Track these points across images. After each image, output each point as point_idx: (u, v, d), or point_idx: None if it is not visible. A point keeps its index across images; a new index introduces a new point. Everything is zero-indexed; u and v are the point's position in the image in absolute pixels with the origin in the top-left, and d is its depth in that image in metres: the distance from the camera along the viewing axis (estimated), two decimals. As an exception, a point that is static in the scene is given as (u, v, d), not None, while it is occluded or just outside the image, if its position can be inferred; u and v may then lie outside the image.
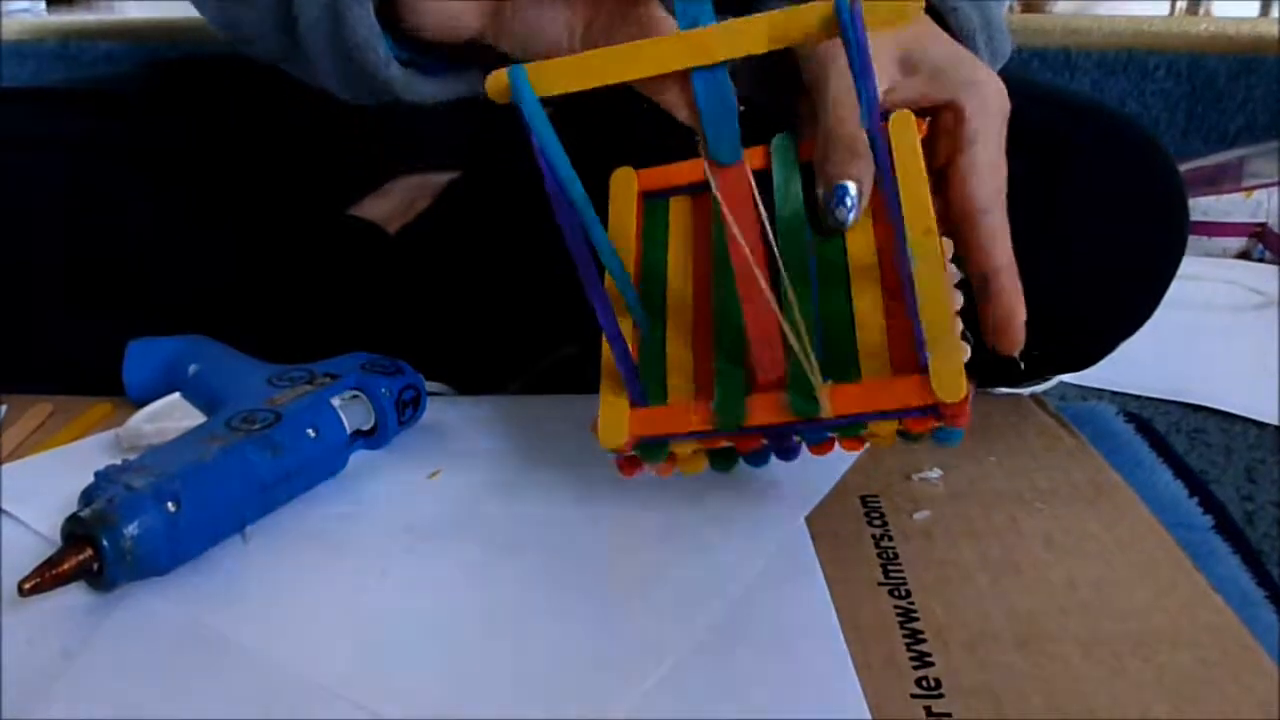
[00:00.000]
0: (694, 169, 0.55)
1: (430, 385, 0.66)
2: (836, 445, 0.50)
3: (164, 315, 0.69)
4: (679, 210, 0.57)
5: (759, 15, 0.41)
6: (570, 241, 0.44)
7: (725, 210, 0.44)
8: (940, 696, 0.42)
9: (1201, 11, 1.57)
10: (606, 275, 0.49)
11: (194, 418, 0.59)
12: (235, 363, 0.63)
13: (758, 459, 0.51)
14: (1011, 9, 1.46)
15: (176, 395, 0.62)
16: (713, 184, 0.44)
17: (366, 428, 0.59)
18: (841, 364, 0.47)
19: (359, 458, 0.60)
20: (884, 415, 0.46)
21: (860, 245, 0.51)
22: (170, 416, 0.60)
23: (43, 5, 1.54)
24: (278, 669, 0.44)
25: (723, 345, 0.50)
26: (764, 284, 0.45)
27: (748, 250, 0.44)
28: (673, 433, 0.48)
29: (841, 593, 0.47)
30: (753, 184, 0.44)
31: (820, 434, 0.49)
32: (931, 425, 0.46)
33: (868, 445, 0.50)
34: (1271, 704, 0.41)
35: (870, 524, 0.53)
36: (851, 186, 0.50)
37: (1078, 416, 0.66)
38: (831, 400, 0.45)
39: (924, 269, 0.46)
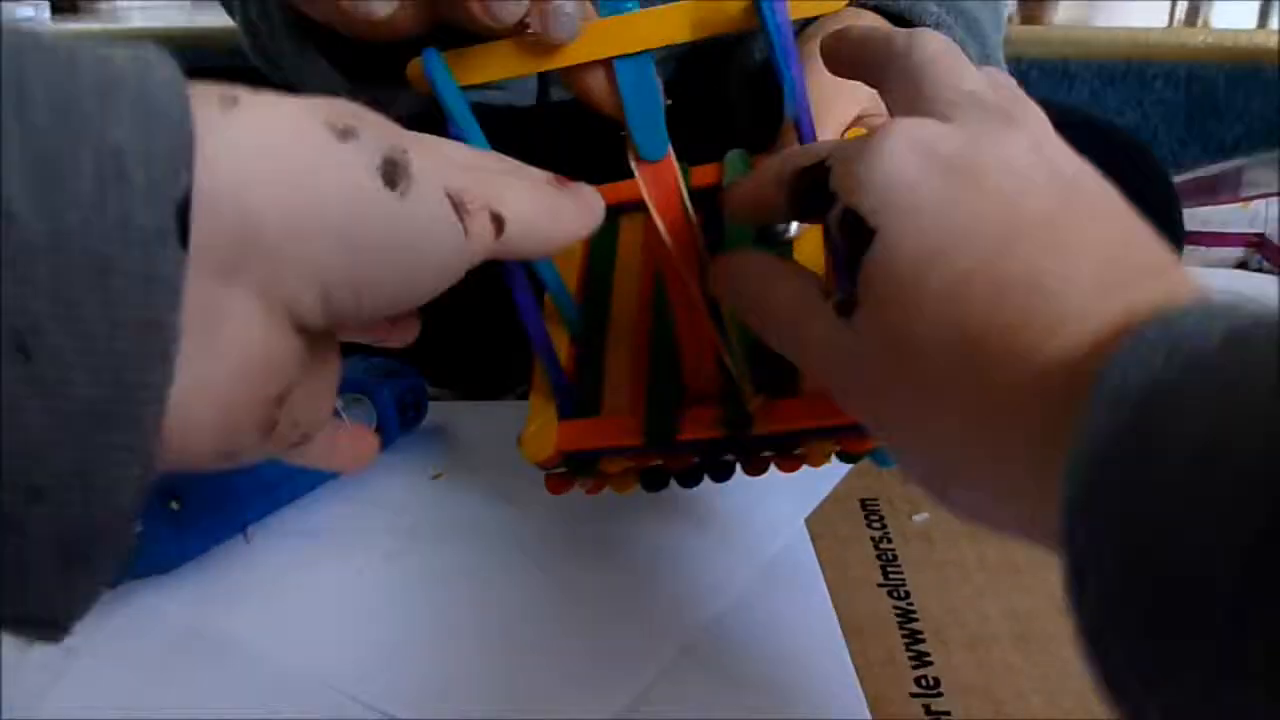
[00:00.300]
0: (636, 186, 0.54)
1: (432, 391, 0.66)
2: (773, 468, 0.47)
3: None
4: (631, 227, 0.55)
5: (683, 3, 0.39)
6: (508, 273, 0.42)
7: (651, 208, 0.42)
8: (939, 695, 0.42)
9: (1200, 22, 1.57)
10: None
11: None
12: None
13: (689, 480, 0.48)
14: (1010, 20, 1.47)
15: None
16: (639, 182, 0.41)
17: (370, 429, 0.60)
18: (780, 379, 0.44)
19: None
20: (820, 433, 0.44)
21: (809, 261, 0.48)
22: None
23: (47, 13, 1.55)
24: (279, 667, 0.44)
25: (658, 360, 0.48)
26: (694, 288, 0.42)
27: (672, 244, 0.42)
28: (601, 448, 0.45)
29: (841, 593, 0.48)
30: (681, 182, 0.42)
31: (751, 455, 0.46)
32: (870, 445, 0.45)
33: (804, 468, 0.47)
34: None
35: (870, 526, 0.53)
36: None
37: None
38: (765, 415, 0.43)
39: None
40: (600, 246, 0.54)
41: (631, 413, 0.46)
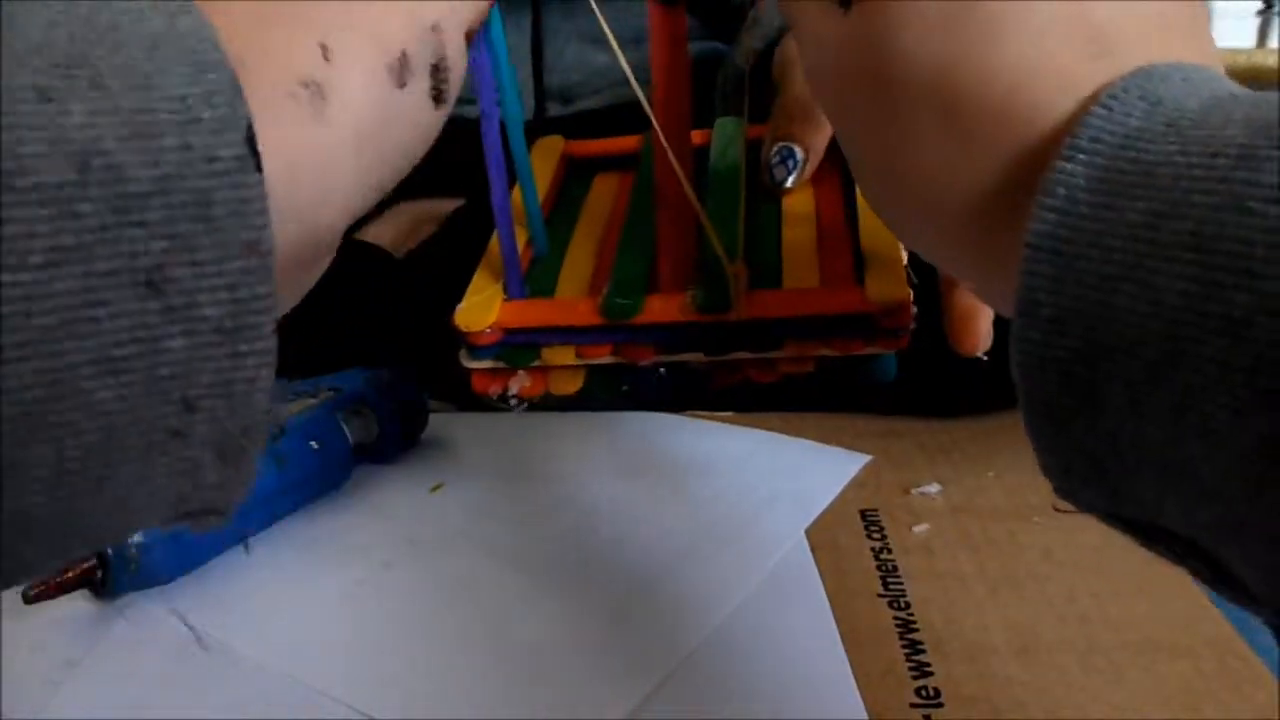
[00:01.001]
0: (625, 143, 0.52)
1: (434, 404, 0.66)
2: (747, 379, 0.43)
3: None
4: (605, 180, 0.53)
5: None
6: (485, 134, 0.40)
7: (654, 57, 0.39)
8: (939, 706, 0.42)
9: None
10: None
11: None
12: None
13: (646, 383, 0.43)
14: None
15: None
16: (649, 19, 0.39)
17: (370, 441, 0.60)
18: (762, 274, 0.41)
19: (362, 471, 0.60)
20: (807, 328, 0.40)
21: (797, 207, 0.48)
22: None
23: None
24: (280, 676, 0.44)
25: (626, 245, 0.44)
26: (687, 151, 0.40)
27: (665, 99, 0.40)
28: (549, 325, 0.41)
29: (841, 604, 0.48)
30: (686, 31, 0.40)
31: (722, 350, 0.42)
32: (862, 347, 0.41)
33: (784, 375, 0.42)
34: (1270, 715, 0.41)
35: (870, 537, 0.53)
36: (798, 150, 0.48)
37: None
38: (748, 301, 0.39)
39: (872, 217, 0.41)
40: (570, 190, 0.52)
41: (589, 296, 0.42)
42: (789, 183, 0.48)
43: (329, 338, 0.72)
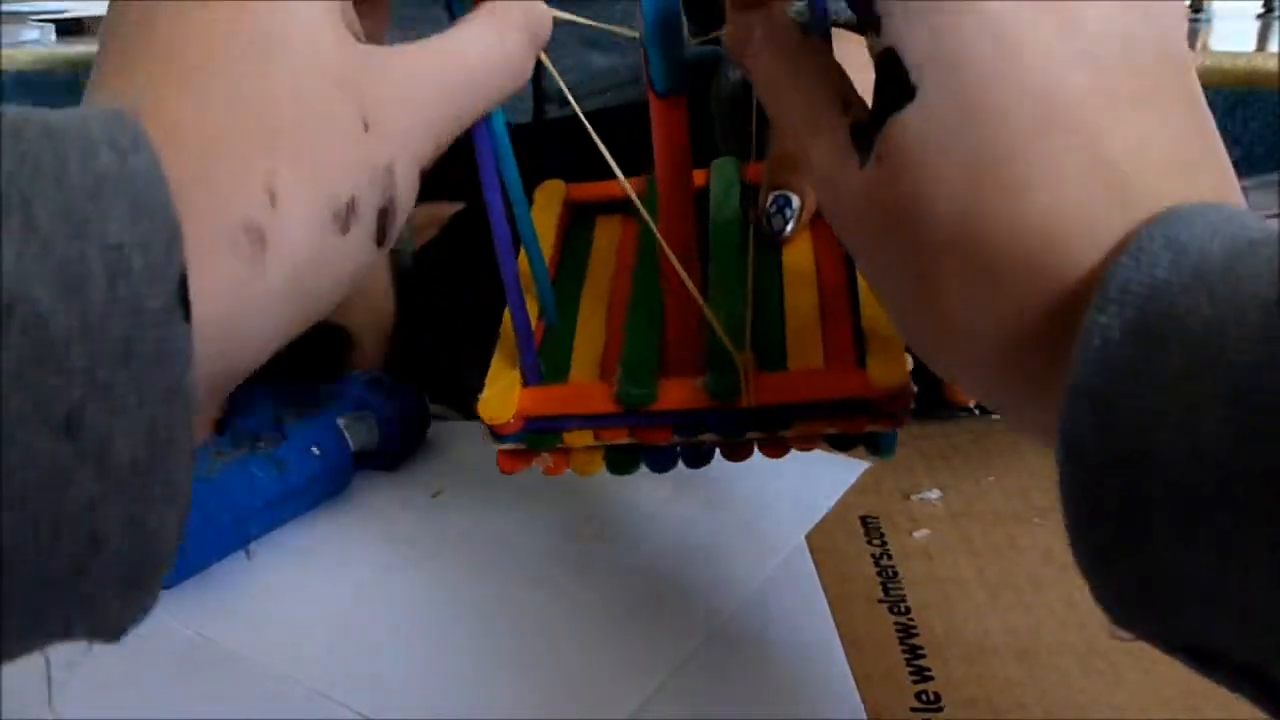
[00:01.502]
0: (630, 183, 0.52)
1: (435, 409, 0.66)
2: (756, 452, 0.44)
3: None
4: (607, 225, 0.54)
5: None
6: (490, 208, 0.40)
7: (655, 146, 0.40)
8: (940, 710, 0.42)
9: (1199, 45, 1.58)
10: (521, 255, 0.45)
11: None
12: (244, 383, 0.63)
13: (662, 460, 0.45)
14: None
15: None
16: (652, 114, 0.40)
17: (371, 447, 0.60)
18: (767, 356, 0.42)
19: (363, 477, 0.60)
20: (814, 410, 0.41)
21: (797, 260, 0.48)
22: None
23: (52, 35, 1.56)
24: (281, 680, 0.44)
25: (635, 327, 0.45)
26: (690, 239, 0.40)
27: (669, 189, 0.40)
28: (569, 414, 0.42)
29: (841, 609, 0.48)
30: (687, 126, 0.40)
31: (734, 432, 0.43)
32: (865, 427, 0.42)
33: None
34: (1269, 717, 0.41)
35: (870, 543, 0.53)
36: (795, 198, 0.48)
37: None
38: (757, 386, 0.41)
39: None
40: (576, 240, 0.53)
41: (603, 381, 0.43)
42: (786, 232, 0.48)
43: (332, 344, 0.72)
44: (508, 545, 0.54)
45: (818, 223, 0.50)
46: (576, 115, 0.77)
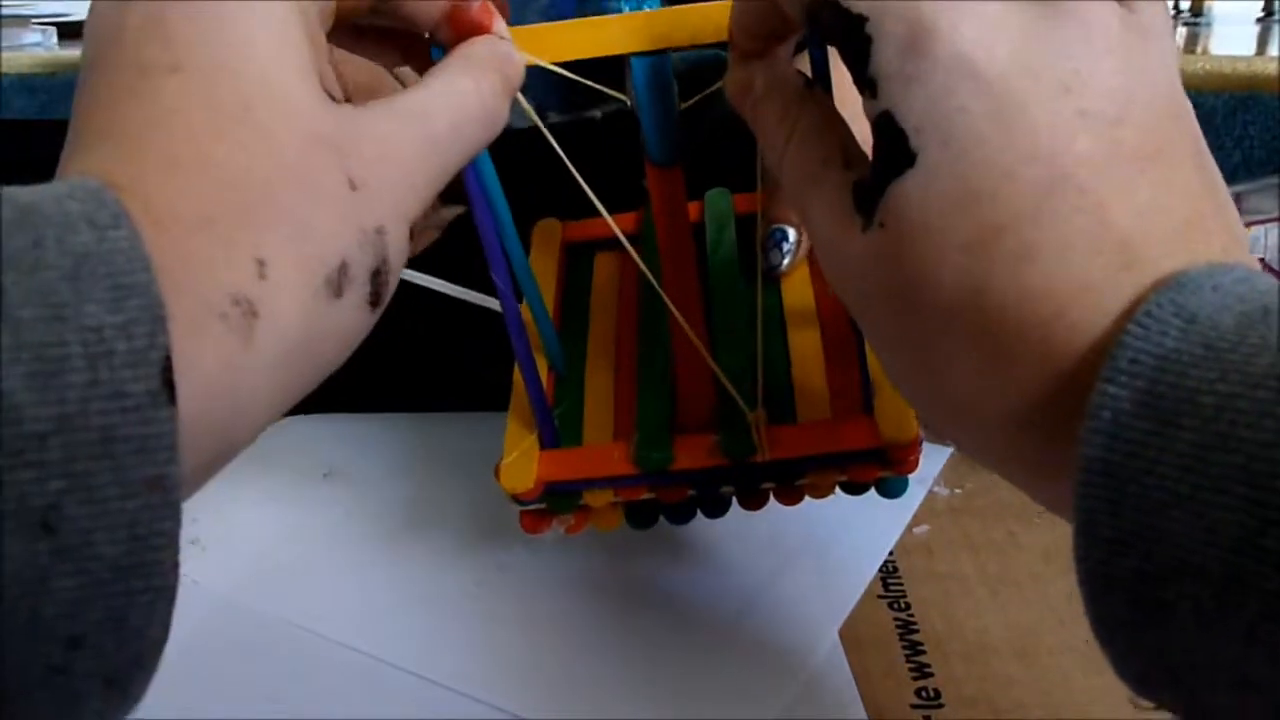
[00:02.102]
0: (623, 221, 0.50)
1: (440, 413, 0.66)
2: (771, 499, 0.45)
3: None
4: (605, 262, 0.53)
5: (705, 4, 0.37)
6: (493, 267, 0.40)
7: (655, 216, 0.40)
8: (940, 706, 0.42)
9: (1198, 49, 1.58)
10: (523, 307, 0.45)
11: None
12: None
13: (681, 514, 0.46)
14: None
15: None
16: (650, 185, 0.40)
17: None
18: (777, 406, 0.43)
19: (368, 483, 0.59)
20: (826, 460, 0.42)
21: (797, 296, 0.48)
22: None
23: (54, 39, 1.56)
24: (278, 683, 0.44)
25: (646, 385, 0.45)
26: (695, 301, 0.41)
27: (671, 257, 0.41)
28: (588, 478, 0.43)
29: (841, 605, 0.48)
30: (685, 193, 0.40)
31: (751, 486, 0.44)
32: (877, 474, 0.43)
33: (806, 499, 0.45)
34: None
35: (870, 540, 0.53)
36: (791, 231, 0.48)
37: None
38: (769, 441, 0.41)
39: None
40: (575, 281, 0.52)
41: (617, 441, 0.44)
42: (783, 266, 0.48)
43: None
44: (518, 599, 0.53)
45: (816, 258, 0.50)
46: (579, 120, 0.77)
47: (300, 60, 0.27)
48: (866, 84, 0.27)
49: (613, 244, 0.53)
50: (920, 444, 0.41)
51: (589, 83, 0.42)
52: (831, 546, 0.51)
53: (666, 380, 0.44)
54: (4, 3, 1.48)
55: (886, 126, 0.27)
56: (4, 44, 1.43)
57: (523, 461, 0.43)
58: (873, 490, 0.45)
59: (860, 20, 0.27)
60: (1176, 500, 0.21)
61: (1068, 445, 0.23)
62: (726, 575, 0.50)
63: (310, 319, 0.26)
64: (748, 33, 0.34)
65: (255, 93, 0.26)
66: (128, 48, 0.25)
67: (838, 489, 0.45)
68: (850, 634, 0.46)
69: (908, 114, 0.26)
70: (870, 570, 0.50)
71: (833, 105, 0.32)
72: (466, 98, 0.31)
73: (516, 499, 0.43)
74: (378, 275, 0.28)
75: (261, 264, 0.24)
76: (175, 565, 0.23)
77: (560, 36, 0.38)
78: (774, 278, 0.49)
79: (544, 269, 0.51)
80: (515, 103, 0.40)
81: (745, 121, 0.34)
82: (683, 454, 0.42)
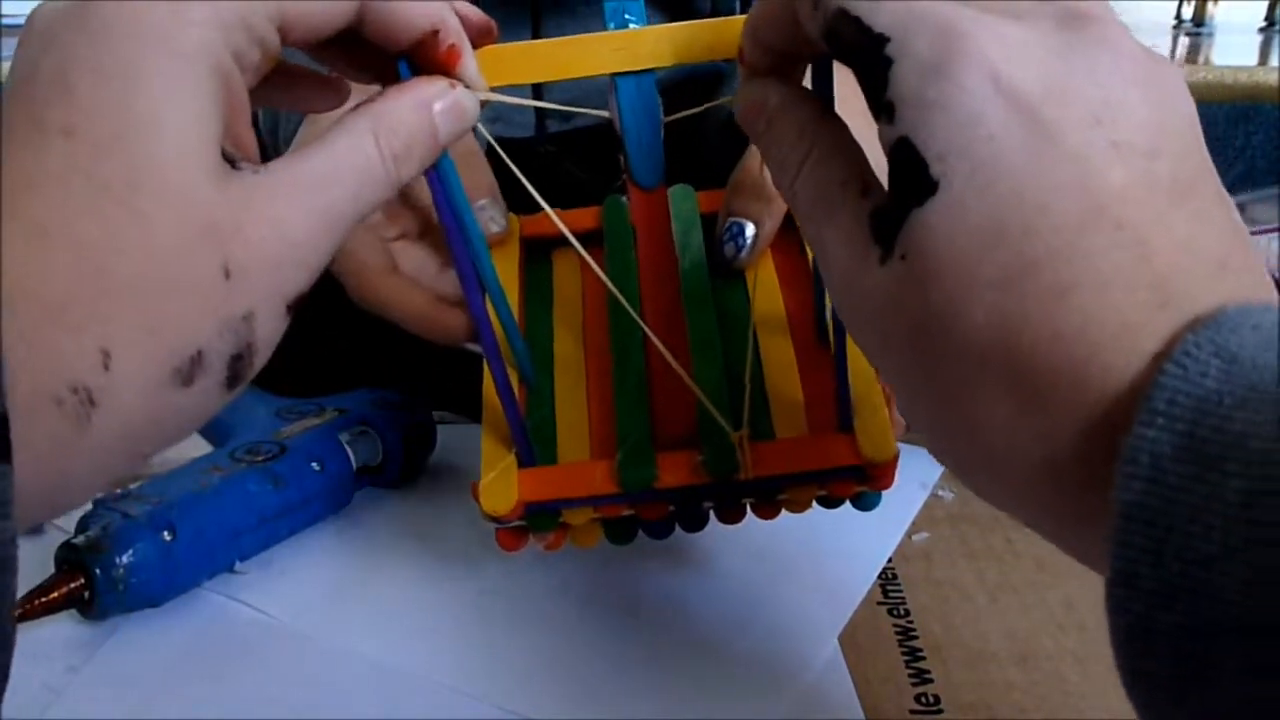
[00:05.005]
0: (584, 217, 0.51)
1: (445, 414, 0.66)
2: (749, 513, 0.45)
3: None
4: (565, 261, 0.53)
5: (689, 24, 0.36)
6: (464, 283, 0.40)
7: (638, 237, 0.40)
8: (939, 712, 0.42)
9: (1201, 60, 1.58)
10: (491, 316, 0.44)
11: (201, 448, 0.59)
12: (245, 396, 0.62)
13: (661, 530, 0.45)
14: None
15: (185, 425, 0.62)
16: (633, 206, 0.40)
17: (375, 463, 0.59)
18: (754, 420, 0.42)
19: (365, 495, 0.59)
20: (807, 477, 0.42)
21: (765, 300, 0.48)
22: (177, 446, 0.60)
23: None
24: (279, 689, 0.44)
25: (623, 400, 0.44)
26: (677, 324, 0.41)
27: (654, 278, 0.41)
28: (569, 497, 0.42)
29: (840, 612, 0.48)
30: (669, 216, 0.40)
31: (732, 502, 0.44)
32: (854, 490, 0.43)
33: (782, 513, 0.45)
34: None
35: (869, 547, 0.53)
36: (749, 226, 0.48)
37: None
38: (751, 459, 0.41)
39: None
40: (536, 283, 0.52)
41: (595, 459, 0.43)
42: (739, 261, 0.48)
43: (337, 355, 0.72)
44: (514, 575, 0.52)
45: (781, 257, 0.50)
46: (578, 130, 0.77)
47: (203, 135, 0.26)
48: (883, 108, 0.26)
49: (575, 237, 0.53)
50: (896, 461, 0.41)
51: (568, 108, 0.41)
52: (831, 554, 0.51)
53: (643, 395, 0.44)
54: (3, 13, 1.48)
55: (905, 153, 0.25)
56: (3, 54, 1.44)
57: (502, 481, 0.42)
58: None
59: (882, 40, 0.26)
60: (1226, 552, 0.20)
61: (1102, 494, 0.22)
62: (727, 582, 0.50)
63: (153, 407, 0.26)
64: (763, 47, 0.32)
65: (144, 172, 0.25)
66: (36, 98, 0.25)
67: (814, 503, 0.45)
68: (850, 640, 0.46)
69: (929, 140, 0.25)
70: (870, 577, 0.50)
71: (847, 130, 0.31)
72: (371, 165, 0.30)
73: (495, 519, 0.42)
74: (238, 360, 0.27)
75: (106, 354, 0.24)
76: (11, 618, 0.23)
77: (543, 55, 0.38)
78: (728, 270, 0.48)
79: (504, 269, 0.49)
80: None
81: (750, 139, 0.33)
82: (666, 472, 0.42)
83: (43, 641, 0.47)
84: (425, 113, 0.32)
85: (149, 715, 0.43)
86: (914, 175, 0.25)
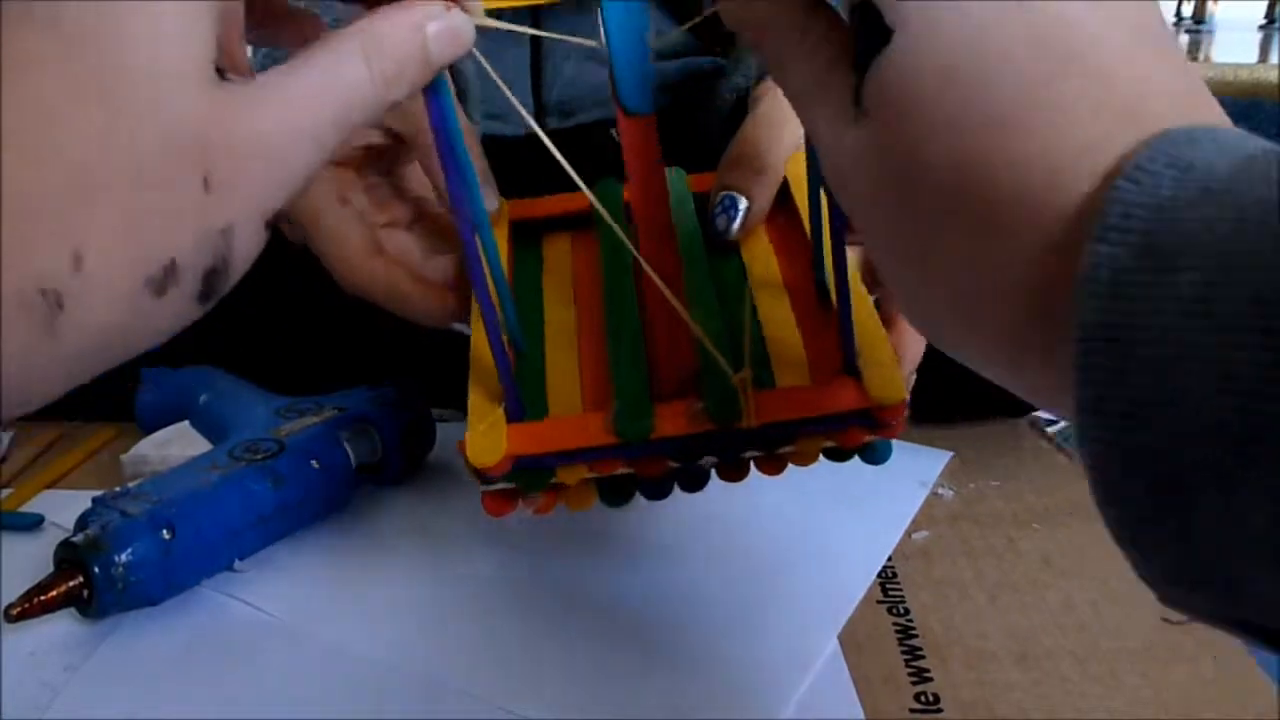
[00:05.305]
0: (571, 200, 0.50)
1: (444, 412, 0.66)
2: (752, 469, 0.43)
3: (176, 345, 0.69)
4: (556, 243, 0.52)
5: None
6: (453, 202, 0.38)
7: (628, 166, 0.39)
8: (939, 711, 0.42)
9: (1201, 57, 1.58)
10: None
11: (200, 447, 0.59)
12: (244, 394, 0.63)
13: (658, 489, 0.43)
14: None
15: (185, 423, 0.62)
16: (621, 134, 0.38)
17: (374, 461, 0.59)
18: (756, 372, 0.41)
19: (364, 492, 0.59)
20: (813, 425, 0.40)
21: (762, 268, 0.47)
22: (177, 444, 0.60)
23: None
24: (277, 689, 0.44)
25: (619, 355, 0.43)
26: (672, 256, 0.39)
27: (645, 210, 0.39)
28: (563, 450, 0.40)
29: (840, 611, 0.48)
30: (658, 143, 0.39)
31: (735, 454, 0.42)
32: (864, 438, 0.41)
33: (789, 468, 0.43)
34: None
35: (869, 545, 0.53)
36: (741, 199, 0.48)
37: (1073, 439, 0.66)
38: (755, 405, 0.39)
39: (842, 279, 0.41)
40: (524, 261, 0.51)
41: (592, 411, 0.41)
42: (731, 232, 0.48)
43: (334, 354, 0.72)
44: (515, 574, 0.52)
45: (777, 232, 0.50)
46: (578, 127, 0.77)
47: (195, 44, 0.26)
48: None
49: (562, 224, 0.52)
50: (906, 408, 0.40)
51: (555, 35, 0.41)
52: (831, 553, 0.51)
53: (639, 348, 0.43)
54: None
55: (864, 9, 0.26)
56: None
57: (490, 434, 0.40)
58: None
59: None
60: (1185, 351, 0.19)
61: (1068, 323, 0.21)
62: (727, 581, 0.50)
63: (123, 316, 0.25)
64: None
65: (136, 72, 0.25)
66: None
67: (821, 456, 0.43)
68: (850, 639, 0.46)
69: None
70: (869, 575, 0.50)
71: (837, 15, 0.30)
72: (360, 86, 0.29)
73: (482, 476, 0.41)
74: (213, 274, 0.27)
75: (78, 258, 0.24)
76: None
77: None
78: (721, 243, 0.48)
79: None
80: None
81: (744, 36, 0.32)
82: (664, 421, 0.40)
83: (41, 640, 0.47)
84: (418, 34, 0.31)
85: (148, 714, 0.43)
86: (871, 27, 0.25)
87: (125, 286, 0.25)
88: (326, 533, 0.56)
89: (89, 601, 0.46)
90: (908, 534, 0.53)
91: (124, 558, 0.46)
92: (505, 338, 0.43)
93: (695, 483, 0.43)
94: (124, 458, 0.60)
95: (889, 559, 0.51)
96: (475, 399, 0.42)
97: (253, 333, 0.70)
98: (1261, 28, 1.83)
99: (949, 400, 0.62)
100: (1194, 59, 1.56)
